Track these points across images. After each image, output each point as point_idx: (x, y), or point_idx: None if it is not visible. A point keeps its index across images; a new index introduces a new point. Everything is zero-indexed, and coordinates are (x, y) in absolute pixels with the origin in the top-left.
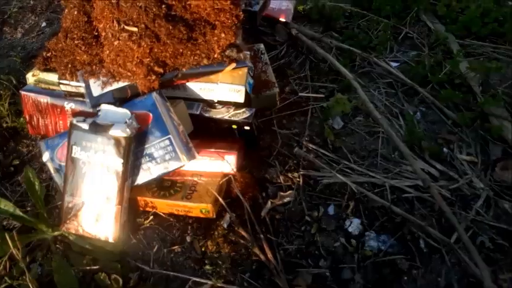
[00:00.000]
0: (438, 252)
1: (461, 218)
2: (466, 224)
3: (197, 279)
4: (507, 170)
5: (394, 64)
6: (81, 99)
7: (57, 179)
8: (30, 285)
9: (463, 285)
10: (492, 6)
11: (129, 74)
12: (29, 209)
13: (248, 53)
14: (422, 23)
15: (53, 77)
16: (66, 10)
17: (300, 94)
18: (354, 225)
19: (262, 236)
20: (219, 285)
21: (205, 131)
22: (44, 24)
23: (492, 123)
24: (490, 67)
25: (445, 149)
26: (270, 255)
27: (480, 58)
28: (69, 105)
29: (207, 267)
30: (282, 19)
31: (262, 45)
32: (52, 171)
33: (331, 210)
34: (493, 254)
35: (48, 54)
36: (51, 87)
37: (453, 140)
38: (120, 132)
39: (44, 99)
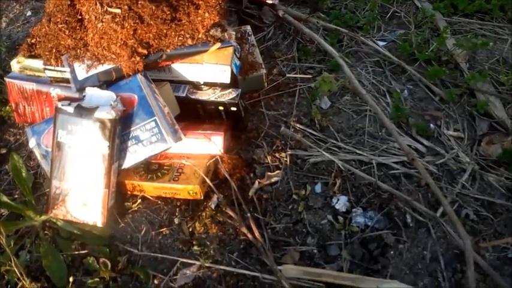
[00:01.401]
0: (424, 226)
1: (447, 192)
2: (452, 198)
3: (185, 260)
4: (493, 144)
5: (381, 43)
6: (66, 84)
7: (44, 165)
8: (16, 270)
9: (448, 257)
10: None
11: (113, 56)
12: (16, 196)
13: (233, 33)
14: (410, 2)
15: (37, 63)
16: None
17: (287, 75)
18: (341, 203)
19: (249, 215)
20: (207, 265)
21: (191, 113)
22: (29, 13)
23: (478, 99)
24: (476, 43)
25: (432, 125)
26: (257, 234)
27: (467, 35)
28: (55, 91)
29: (195, 248)
30: (269, 1)
31: (248, 27)
32: (39, 157)
33: (318, 188)
34: (477, 225)
35: (33, 41)
36: (37, 73)
37: (440, 116)
38: (105, 115)
39: (29, 86)
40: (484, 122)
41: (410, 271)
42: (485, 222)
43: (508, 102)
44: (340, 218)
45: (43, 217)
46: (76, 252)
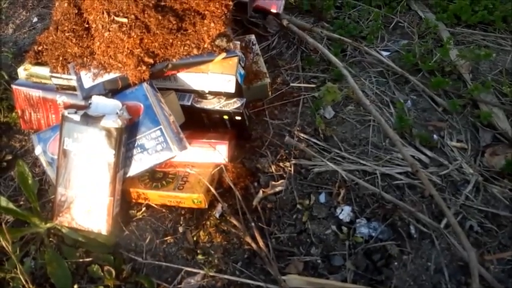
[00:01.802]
0: (428, 237)
1: (451, 203)
2: (456, 209)
3: (189, 269)
4: (496, 155)
5: (385, 53)
6: (73, 92)
7: (50, 172)
8: (21, 277)
9: (452, 269)
10: None
11: (119, 65)
12: (22, 203)
13: (238, 42)
14: (413, 12)
15: (44, 70)
16: (57, 3)
17: (291, 84)
18: (345, 213)
19: (253, 225)
20: (211, 274)
21: (196, 122)
22: (35, 19)
23: (482, 110)
24: (479, 54)
25: (435, 136)
26: (261, 244)
27: (470, 46)
28: (61, 99)
29: (199, 257)
30: (273, 10)
31: (253, 36)
32: (44, 164)
33: (322, 198)
34: (481, 237)
35: (40, 48)
36: (43, 81)
37: (443, 127)
38: (111, 123)
39: (35, 93)
40: (488, 133)
41: (414, 282)
42: (489, 234)
43: (511, 113)
44: (344, 229)
45: (48, 224)
46: (80, 260)
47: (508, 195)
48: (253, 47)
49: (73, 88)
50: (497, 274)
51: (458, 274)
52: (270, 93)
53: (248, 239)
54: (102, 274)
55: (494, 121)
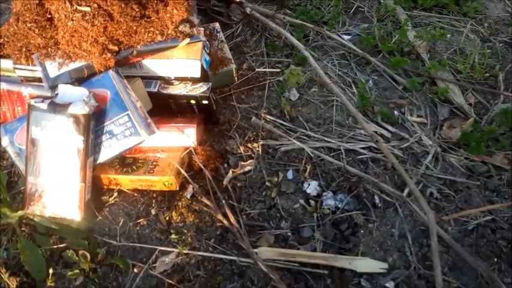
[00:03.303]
0: (392, 206)
1: (412, 174)
2: (417, 178)
3: (163, 248)
4: (453, 128)
5: (346, 37)
6: (38, 83)
7: (19, 163)
8: None
9: (415, 234)
10: None
11: (84, 53)
12: None
13: (202, 29)
14: None
15: (7, 63)
16: None
17: (257, 70)
18: (312, 187)
19: (224, 203)
20: (185, 252)
21: (164, 108)
22: None
23: (439, 87)
24: (435, 35)
25: (396, 113)
26: (233, 221)
27: (427, 28)
28: (26, 91)
29: (173, 236)
30: None
31: (217, 24)
32: (12, 155)
33: (290, 175)
34: (440, 202)
35: (1, 41)
36: (6, 73)
37: (404, 104)
38: (79, 110)
39: None
40: (445, 108)
41: (380, 248)
42: (447, 199)
43: (465, 89)
44: (312, 202)
45: (19, 213)
46: (55, 247)
47: (464, 163)
48: (218, 34)
49: (38, 79)
50: (454, 234)
51: (420, 237)
52: (236, 78)
53: (220, 217)
54: (77, 258)
55: (451, 96)
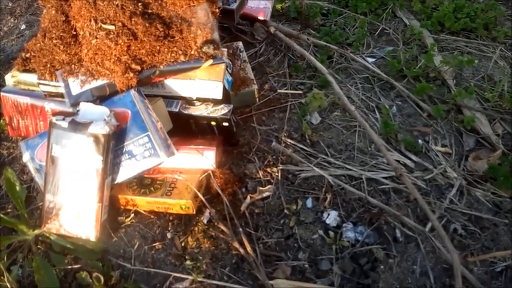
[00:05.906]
0: (414, 241)
1: (436, 207)
2: (440, 213)
3: (178, 275)
4: (479, 159)
5: (370, 60)
6: (61, 99)
7: (38, 179)
8: (8, 286)
9: (437, 272)
10: (464, 2)
11: (107, 72)
12: (9, 210)
13: (225, 50)
14: (398, 19)
15: (32, 77)
16: (45, 10)
17: (278, 91)
18: (331, 217)
19: (241, 230)
20: (199, 280)
21: (184, 129)
22: (23, 26)
23: (465, 115)
24: (462, 60)
25: (420, 141)
26: (249, 249)
27: (453, 52)
28: (49, 106)
29: (188, 262)
30: (261, 17)
31: (240, 43)
32: (32, 171)
33: (309, 203)
34: (465, 240)
35: (27, 55)
36: (31, 88)
37: (428, 132)
38: (99, 130)
39: (23, 100)
40: (471, 138)
41: (400, 286)
42: (472, 237)
43: (493, 118)
44: (331, 233)
45: (36, 231)
46: (69, 267)
47: (491, 199)
48: (241, 54)
49: (61, 95)
50: (480, 276)
51: (443, 276)
52: (257, 99)
53: (236, 244)
54: (90, 281)
55: (477, 126)
